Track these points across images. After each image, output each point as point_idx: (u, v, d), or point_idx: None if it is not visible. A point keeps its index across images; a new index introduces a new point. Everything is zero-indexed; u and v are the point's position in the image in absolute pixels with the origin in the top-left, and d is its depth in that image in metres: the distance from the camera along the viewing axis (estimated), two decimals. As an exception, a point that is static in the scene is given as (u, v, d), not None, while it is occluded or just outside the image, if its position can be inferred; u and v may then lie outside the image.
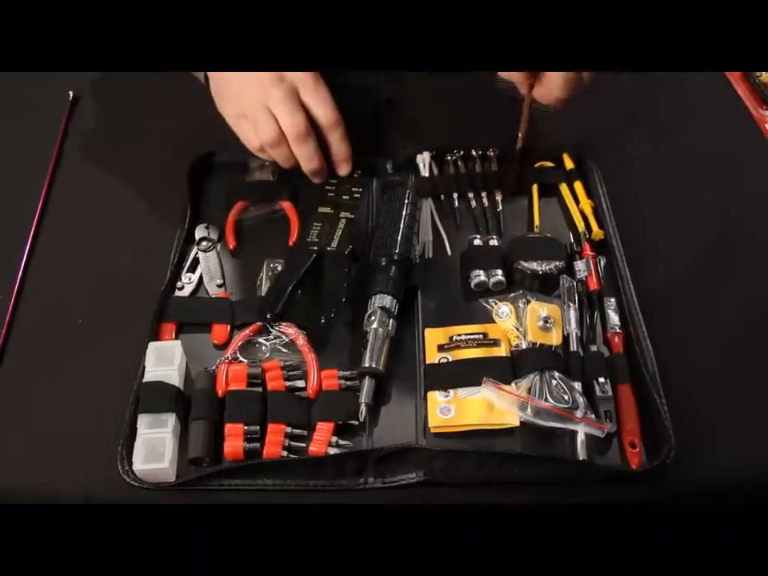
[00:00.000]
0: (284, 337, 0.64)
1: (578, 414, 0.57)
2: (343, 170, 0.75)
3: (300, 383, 0.61)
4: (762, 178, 0.78)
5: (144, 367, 0.61)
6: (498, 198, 0.75)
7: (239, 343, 0.64)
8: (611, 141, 0.80)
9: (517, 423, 0.58)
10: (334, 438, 0.58)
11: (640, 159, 0.79)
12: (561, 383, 0.59)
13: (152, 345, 0.62)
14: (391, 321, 0.63)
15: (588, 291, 0.67)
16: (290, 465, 0.57)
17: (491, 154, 0.78)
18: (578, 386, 0.59)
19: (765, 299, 0.67)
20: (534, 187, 0.75)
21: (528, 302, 0.64)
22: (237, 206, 0.75)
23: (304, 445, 0.58)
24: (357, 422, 0.59)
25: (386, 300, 0.64)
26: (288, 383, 0.61)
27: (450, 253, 0.72)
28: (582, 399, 0.58)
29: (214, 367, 0.62)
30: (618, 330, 0.64)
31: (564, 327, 0.63)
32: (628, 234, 0.71)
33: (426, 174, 0.77)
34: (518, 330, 0.63)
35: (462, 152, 0.78)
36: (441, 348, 0.63)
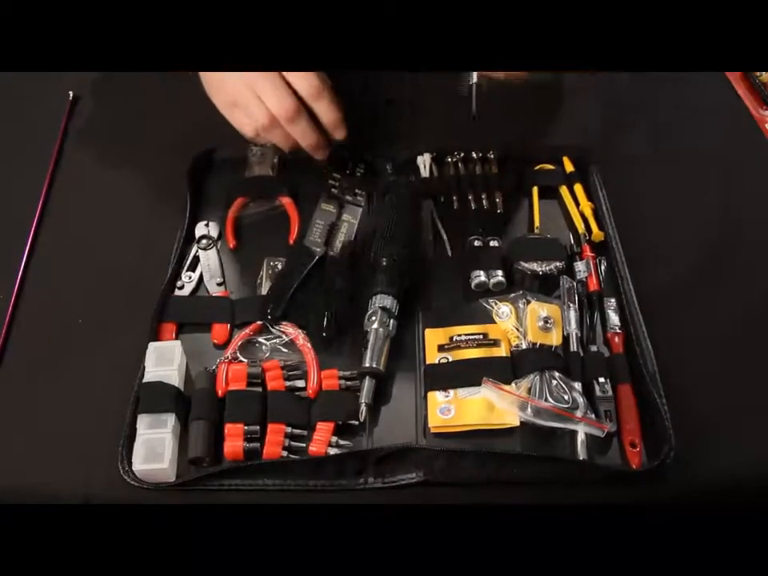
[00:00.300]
0: (284, 337, 0.64)
1: (578, 413, 0.57)
2: (338, 135, 0.73)
3: (300, 383, 0.61)
4: (762, 178, 0.78)
5: (144, 367, 0.61)
6: (498, 199, 0.75)
7: (239, 343, 0.64)
8: (611, 141, 0.80)
9: (517, 423, 0.58)
10: (334, 438, 0.58)
11: (640, 159, 0.79)
12: (561, 383, 0.59)
13: (152, 345, 0.62)
14: (391, 321, 0.63)
15: (588, 292, 0.67)
16: (290, 465, 0.57)
17: (491, 156, 0.78)
18: (578, 386, 0.60)
19: (765, 299, 0.68)
20: (534, 189, 0.75)
21: (528, 302, 0.64)
22: (236, 203, 0.75)
23: (304, 445, 0.58)
24: (357, 422, 0.59)
25: (387, 300, 0.64)
26: (288, 383, 0.61)
27: (450, 253, 0.72)
28: (582, 399, 0.58)
29: (213, 367, 0.62)
30: (618, 331, 0.64)
31: (564, 327, 0.63)
32: (628, 234, 0.71)
33: (427, 175, 0.77)
34: (518, 330, 0.63)
35: (462, 154, 0.78)
36: (441, 348, 0.63)
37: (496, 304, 0.65)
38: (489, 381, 0.59)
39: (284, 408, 0.59)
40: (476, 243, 0.71)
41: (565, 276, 0.67)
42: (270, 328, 0.65)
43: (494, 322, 0.65)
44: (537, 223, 0.73)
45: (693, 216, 0.74)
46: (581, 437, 0.57)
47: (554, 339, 0.62)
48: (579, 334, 0.63)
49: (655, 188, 0.77)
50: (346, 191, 0.75)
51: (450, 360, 0.62)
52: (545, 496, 0.56)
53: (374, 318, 0.63)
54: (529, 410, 0.57)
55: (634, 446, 0.57)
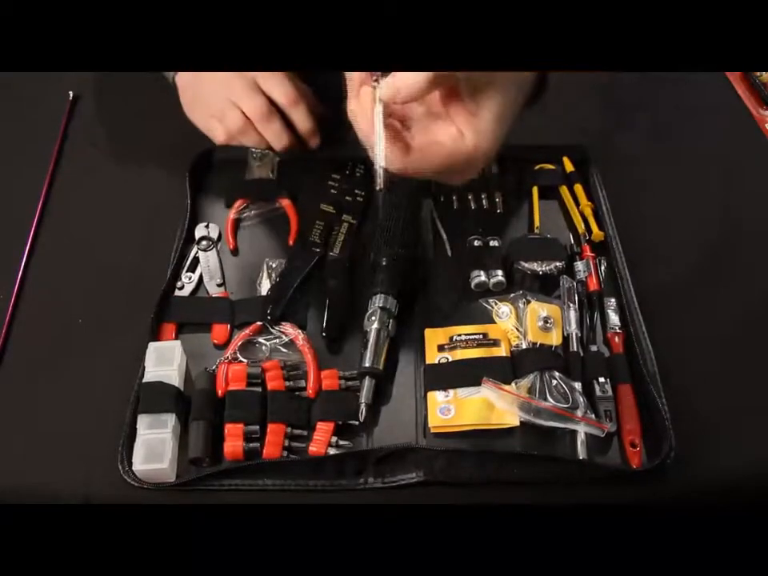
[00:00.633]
0: (284, 337, 0.64)
1: (578, 413, 0.57)
2: (312, 143, 0.77)
3: (300, 383, 0.61)
4: (762, 178, 0.78)
5: (144, 367, 0.61)
6: (498, 199, 0.75)
7: (239, 343, 0.64)
8: (611, 141, 0.80)
9: (517, 423, 0.58)
10: (334, 438, 0.58)
11: (640, 159, 0.79)
12: (561, 383, 0.59)
13: (152, 345, 0.62)
14: (391, 321, 0.63)
15: (588, 292, 0.67)
16: (289, 465, 0.57)
17: (491, 155, 0.78)
18: (578, 385, 0.60)
19: (765, 299, 0.68)
20: (534, 189, 0.75)
21: (528, 302, 0.64)
22: (236, 204, 0.75)
23: (304, 445, 0.58)
24: (357, 422, 0.59)
25: (386, 300, 0.64)
26: (288, 383, 0.61)
27: (450, 253, 0.72)
28: (582, 399, 0.58)
29: (213, 367, 0.62)
30: (618, 330, 0.64)
31: (564, 327, 0.63)
32: (628, 234, 0.71)
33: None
34: (518, 330, 0.63)
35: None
36: (441, 348, 0.63)
37: (496, 304, 0.65)
38: (489, 381, 0.59)
39: (284, 408, 0.59)
40: (476, 243, 0.71)
41: (565, 276, 0.67)
42: (270, 328, 0.65)
43: (494, 322, 0.65)
44: (537, 223, 0.73)
45: (693, 216, 0.74)
46: (581, 437, 0.57)
47: (554, 339, 0.62)
48: (579, 334, 0.63)
49: (655, 188, 0.77)
50: (347, 192, 0.75)
51: (450, 360, 0.62)
52: (545, 496, 0.56)
53: (373, 317, 0.63)
54: (529, 409, 0.57)
55: (634, 445, 0.57)
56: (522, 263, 0.67)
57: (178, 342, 0.63)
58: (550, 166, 0.77)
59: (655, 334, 0.63)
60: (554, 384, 0.59)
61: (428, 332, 0.65)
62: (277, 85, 0.74)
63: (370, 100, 0.51)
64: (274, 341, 0.64)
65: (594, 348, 0.63)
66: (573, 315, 0.64)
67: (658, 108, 0.85)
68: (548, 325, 0.62)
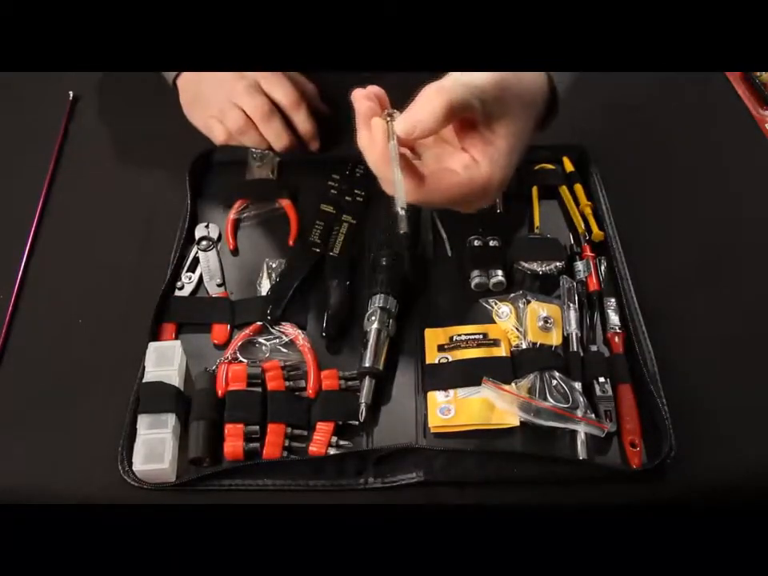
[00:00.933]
0: (284, 337, 0.64)
1: (578, 413, 0.57)
2: (313, 146, 0.78)
3: (300, 383, 0.61)
4: (762, 178, 0.78)
5: (144, 367, 0.61)
6: (498, 199, 0.75)
7: (239, 343, 0.64)
8: (611, 141, 0.80)
9: (517, 423, 0.58)
10: (334, 438, 0.58)
11: (640, 159, 0.79)
12: (561, 383, 0.59)
13: (152, 345, 0.62)
14: (391, 321, 0.63)
15: (588, 292, 0.67)
16: (290, 465, 0.57)
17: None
18: (578, 385, 0.60)
19: (765, 299, 0.68)
20: (534, 189, 0.75)
21: (528, 302, 0.64)
22: (236, 205, 0.75)
23: (304, 445, 0.58)
24: (357, 422, 0.59)
25: (386, 300, 0.64)
26: (288, 383, 0.61)
27: (450, 253, 0.72)
28: (582, 399, 0.58)
29: (213, 367, 0.62)
30: (618, 330, 0.64)
31: (564, 327, 0.63)
32: (628, 234, 0.71)
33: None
34: (518, 330, 0.63)
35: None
36: (441, 348, 0.63)
37: (496, 304, 0.65)
38: (489, 381, 0.59)
39: (284, 408, 0.59)
40: (476, 243, 0.71)
41: (565, 276, 0.67)
42: (270, 328, 0.65)
43: (494, 322, 0.65)
44: (537, 223, 0.73)
45: (693, 216, 0.74)
46: (581, 436, 0.57)
47: (554, 339, 0.62)
48: (579, 334, 0.63)
49: (655, 188, 0.77)
50: (347, 192, 0.75)
51: (450, 360, 0.62)
52: (545, 496, 0.56)
53: (373, 317, 0.63)
54: (529, 409, 0.57)
55: (634, 445, 0.57)
56: (522, 263, 0.67)
57: (178, 342, 0.63)
58: (550, 166, 0.77)
59: (655, 334, 0.63)
60: (554, 384, 0.59)
61: (428, 332, 0.65)
62: (278, 85, 0.74)
63: (382, 132, 0.50)
64: (274, 341, 0.64)
65: (593, 348, 0.63)
66: (573, 315, 0.64)
67: (658, 108, 0.85)
68: (548, 325, 0.62)
